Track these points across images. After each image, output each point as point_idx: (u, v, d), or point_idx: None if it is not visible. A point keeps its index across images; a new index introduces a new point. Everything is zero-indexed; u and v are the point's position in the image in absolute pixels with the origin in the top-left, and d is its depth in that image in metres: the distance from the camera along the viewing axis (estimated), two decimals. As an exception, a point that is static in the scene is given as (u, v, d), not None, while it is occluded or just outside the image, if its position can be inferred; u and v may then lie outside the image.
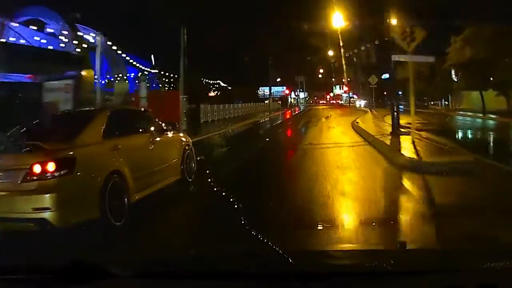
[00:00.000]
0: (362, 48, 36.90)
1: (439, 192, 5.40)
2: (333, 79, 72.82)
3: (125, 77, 43.95)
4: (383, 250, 2.07)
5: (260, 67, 47.09)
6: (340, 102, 75.78)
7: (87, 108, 8.76)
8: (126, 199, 4.43)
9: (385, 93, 23.36)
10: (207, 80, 60.20)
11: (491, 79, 23.44)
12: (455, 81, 29.47)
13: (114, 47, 38.51)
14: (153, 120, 5.90)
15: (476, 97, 26.65)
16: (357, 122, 17.24)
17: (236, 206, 3.79)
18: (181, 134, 6.79)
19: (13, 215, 3.72)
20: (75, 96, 16.19)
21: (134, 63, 49.75)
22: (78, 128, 4.44)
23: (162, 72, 55.20)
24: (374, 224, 4.09)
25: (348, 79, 61.77)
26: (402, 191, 5.57)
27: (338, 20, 21.55)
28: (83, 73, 20.82)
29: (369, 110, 30.93)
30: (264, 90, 61.74)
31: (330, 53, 47.17)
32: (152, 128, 5.61)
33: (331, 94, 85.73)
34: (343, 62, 48.17)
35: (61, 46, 29.27)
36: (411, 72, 10.33)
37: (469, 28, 22.37)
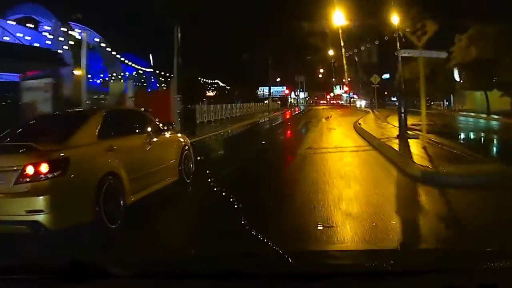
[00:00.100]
0: (362, 48, 37.06)
1: (470, 215, 4.53)
2: (333, 79, 73.07)
3: (119, 76, 43.99)
4: (383, 250, 2.10)
5: (260, 66, 47.26)
6: (340, 102, 75.97)
7: (82, 108, 8.79)
8: (121, 201, 4.45)
9: (385, 93, 23.35)
10: (205, 80, 60.35)
11: (496, 79, 23.50)
12: (457, 81, 29.57)
13: (106, 46, 38.60)
14: (150, 120, 5.93)
15: (480, 97, 26.70)
16: (359, 124, 17.01)
17: (236, 206, 3.82)
18: (179, 135, 6.81)
19: (5, 217, 3.72)
20: (55, 95, 15.76)
21: (129, 62, 49.81)
22: (72, 129, 4.45)
23: (158, 71, 55.34)
24: None
25: (349, 79, 61.97)
26: (423, 214, 4.65)
27: (339, 18, 21.61)
28: (76, 72, 20.67)
29: (370, 111, 30.99)
30: (263, 90, 61.88)
31: (331, 52, 47.37)
32: (149, 129, 5.64)
33: (331, 94, 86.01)
34: (344, 62, 48.37)
35: (47, 43, 29.15)
36: (422, 69, 9.81)
37: (474, 26, 22.45)
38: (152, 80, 58.47)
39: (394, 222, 4.32)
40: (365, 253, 1.87)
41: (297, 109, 49.60)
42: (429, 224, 4.30)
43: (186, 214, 5.17)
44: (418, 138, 10.08)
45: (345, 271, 1.49)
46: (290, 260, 1.48)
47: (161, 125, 6.02)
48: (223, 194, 4.59)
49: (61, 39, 27.79)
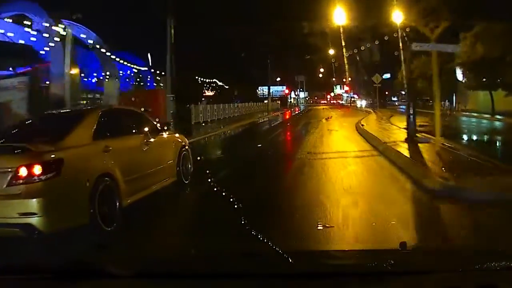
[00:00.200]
0: (362, 48, 37.13)
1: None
2: (333, 79, 73.14)
3: (115, 76, 44.01)
4: (383, 250, 2.14)
5: (259, 66, 47.36)
6: (341, 102, 76.07)
7: (78, 108, 8.79)
8: (117, 203, 4.47)
9: (386, 93, 23.38)
10: (203, 79, 60.41)
11: (502, 78, 23.56)
12: (460, 80, 29.66)
13: (100, 47, 38.62)
14: (147, 120, 5.95)
15: (483, 97, 26.71)
16: (362, 125, 16.72)
17: (236, 206, 3.85)
18: (177, 135, 6.83)
19: None
20: (30, 95, 14.94)
21: (123, 61, 49.84)
22: (66, 129, 4.46)
23: (153, 71, 55.40)
24: None
25: (349, 79, 62.10)
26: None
27: (340, 16, 21.55)
28: (73, 71, 20.43)
29: (372, 111, 31.04)
30: (263, 90, 61.89)
31: (331, 52, 47.42)
32: (147, 129, 5.65)
33: (332, 94, 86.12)
34: (345, 61, 48.45)
35: (32, 40, 28.92)
36: (435, 65, 9.17)
37: (480, 24, 22.43)
38: (149, 79, 58.57)
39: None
40: (365, 253, 1.91)
41: (297, 109, 49.69)
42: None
43: (185, 214, 5.19)
44: (429, 142, 9.45)
45: (345, 271, 1.53)
46: (290, 260, 1.51)
47: (158, 125, 6.05)
48: (223, 194, 4.60)
49: (46, 35, 27.40)
